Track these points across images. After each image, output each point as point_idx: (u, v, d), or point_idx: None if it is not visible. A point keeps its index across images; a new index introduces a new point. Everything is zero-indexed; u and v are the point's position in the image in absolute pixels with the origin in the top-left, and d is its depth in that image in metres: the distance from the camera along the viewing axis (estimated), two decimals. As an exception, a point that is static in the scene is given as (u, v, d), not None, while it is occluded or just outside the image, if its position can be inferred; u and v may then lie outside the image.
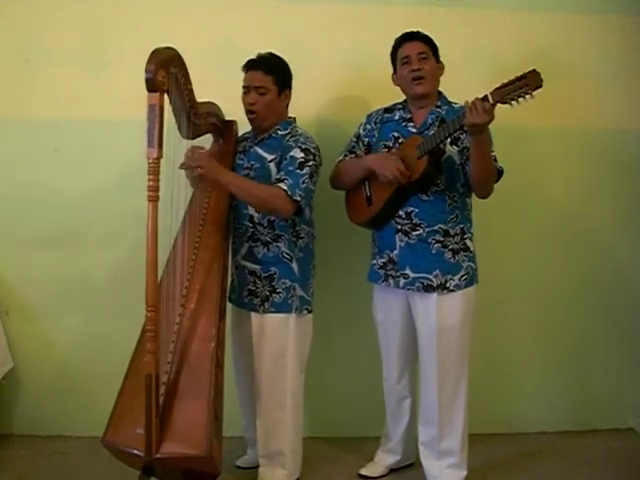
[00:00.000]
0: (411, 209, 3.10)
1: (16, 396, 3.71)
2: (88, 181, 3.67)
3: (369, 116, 3.32)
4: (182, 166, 2.90)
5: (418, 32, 3.13)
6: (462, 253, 3.13)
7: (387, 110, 3.27)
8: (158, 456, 2.53)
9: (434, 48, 3.13)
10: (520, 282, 3.86)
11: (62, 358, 3.73)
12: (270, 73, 3.09)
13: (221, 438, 2.77)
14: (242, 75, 3.14)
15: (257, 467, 3.22)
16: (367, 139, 3.28)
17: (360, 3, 3.68)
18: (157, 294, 2.57)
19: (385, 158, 3.09)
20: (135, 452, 2.57)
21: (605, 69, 3.80)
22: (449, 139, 3.01)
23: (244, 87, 3.14)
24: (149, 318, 2.52)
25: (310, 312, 3.21)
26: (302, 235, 3.16)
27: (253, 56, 3.13)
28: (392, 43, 3.21)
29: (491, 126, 2.87)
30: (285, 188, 2.95)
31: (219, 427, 2.76)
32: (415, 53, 3.08)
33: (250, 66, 3.12)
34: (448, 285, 3.09)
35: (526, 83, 2.68)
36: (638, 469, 3.58)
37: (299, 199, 2.97)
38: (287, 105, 3.21)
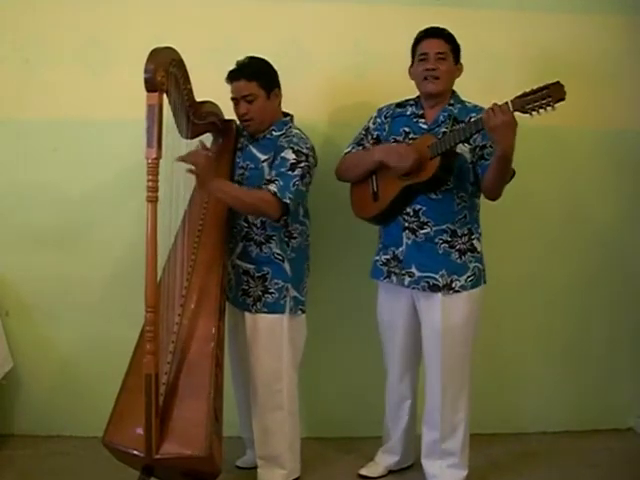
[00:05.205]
0: (419, 207, 3.07)
1: (16, 396, 3.71)
2: (88, 181, 3.67)
3: (380, 110, 3.27)
4: (179, 159, 2.81)
5: (443, 30, 3.07)
6: (469, 254, 3.10)
7: (399, 105, 3.23)
8: (158, 457, 2.54)
9: (456, 48, 3.08)
10: (519, 282, 3.86)
11: (62, 358, 3.72)
12: (253, 78, 3.05)
13: (221, 438, 2.78)
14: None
15: (257, 467, 3.21)
16: (377, 132, 3.24)
17: (360, 3, 3.67)
18: (157, 295, 2.57)
19: (395, 148, 3.06)
20: (135, 453, 2.57)
21: (605, 69, 3.80)
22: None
23: (232, 99, 3.12)
24: (148, 319, 2.52)
25: (304, 312, 3.20)
26: (295, 235, 3.14)
27: (234, 66, 3.10)
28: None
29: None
30: (275, 190, 2.93)
31: (219, 427, 2.76)
32: (434, 52, 3.03)
33: (232, 77, 3.09)
34: (454, 286, 3.07)
35: (549, 94, 2.64)
36: (638, 469, 3.58)
37: (288, 201, 2.94)
38: (279, 103, 3.18)
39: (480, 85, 3.44)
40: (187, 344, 2.77)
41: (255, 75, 3.06)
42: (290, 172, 2.98)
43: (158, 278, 2.65)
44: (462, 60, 3.11)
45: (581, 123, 3.79)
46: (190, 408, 2.62)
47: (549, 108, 2.66)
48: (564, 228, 3.88)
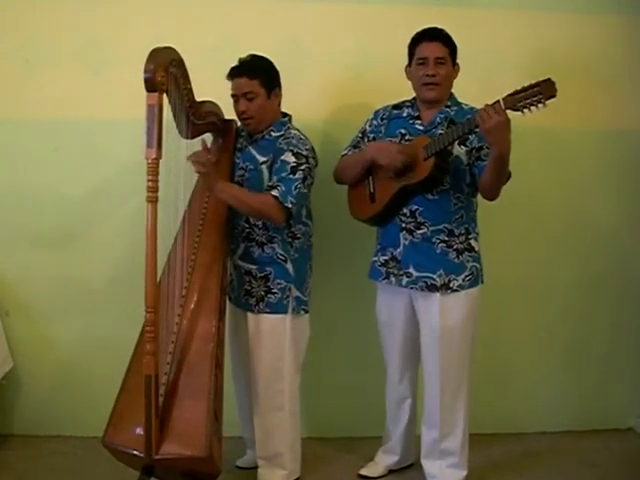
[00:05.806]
0: (415, 207, 3.07)
1: (16, 396, 3.70)
2: (88, 181, 3.66)
3: (376, 112, 3.27)
4: (190, 158, 2.86)
5: (441, 31, 3.05)
6: (466, 253, 3.11)
7: (395, 107, 3.23)
8: (158, 457, 2.54)
9: (453, 50, 3.07)
10: (520, 282, 3.86)
11: (62, 358, 3.72)
12: (255, 76, 3.04)
13: (221, 438, 2.78)
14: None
15: (257, 467, 3.21)
16: (373, 135, 3.24)
17: (360, 3, 3.67)
18: (156, 295, 2.58)
19: (385, 147, 3.07)
20: (135, 453, 2.58)
21: (605, 69, 3.79)
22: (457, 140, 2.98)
23: (232, 96, 3.10)
24: (148, 319, 2.53)
25: (307, 312, 3.20)
26: (298, 235, 3.14)
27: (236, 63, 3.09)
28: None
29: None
30: (277, 195, 2.93)
31: (219, 427, 2.76)
32: (433, 57, 3.01)
33: (234, 73, 3.07)
34: (451, 285, 3.07)
35: (540, 91, 2.65)
36: (638, 469, 3.59)
37: (290, 206, 2.94)
38: (279, 104, 3.17)
39: (479, 85, 3.44)
40: (187, 344, 2.77)
41: (257, 73, 3.05)
42: (291, 176, 2.97)
43: (158, 278, 2.65)
44: (461, 60, 3.11)
45: (581, 123, 3.78)
46: (190, 408, 2.62)
47: (540, 105, 2.67)
48: (564, 229, 3.88)
